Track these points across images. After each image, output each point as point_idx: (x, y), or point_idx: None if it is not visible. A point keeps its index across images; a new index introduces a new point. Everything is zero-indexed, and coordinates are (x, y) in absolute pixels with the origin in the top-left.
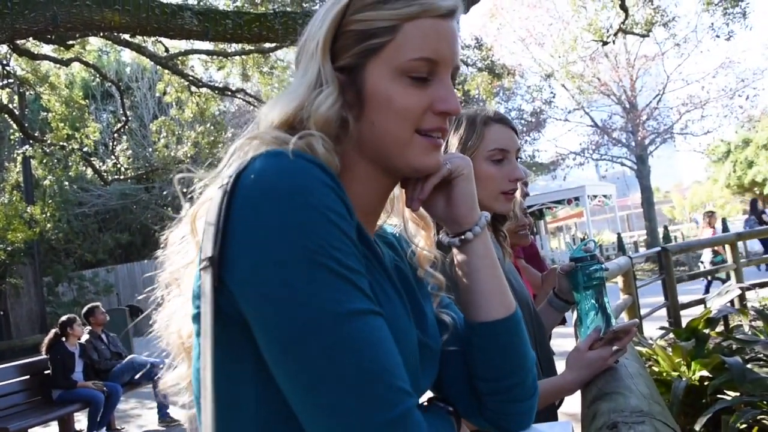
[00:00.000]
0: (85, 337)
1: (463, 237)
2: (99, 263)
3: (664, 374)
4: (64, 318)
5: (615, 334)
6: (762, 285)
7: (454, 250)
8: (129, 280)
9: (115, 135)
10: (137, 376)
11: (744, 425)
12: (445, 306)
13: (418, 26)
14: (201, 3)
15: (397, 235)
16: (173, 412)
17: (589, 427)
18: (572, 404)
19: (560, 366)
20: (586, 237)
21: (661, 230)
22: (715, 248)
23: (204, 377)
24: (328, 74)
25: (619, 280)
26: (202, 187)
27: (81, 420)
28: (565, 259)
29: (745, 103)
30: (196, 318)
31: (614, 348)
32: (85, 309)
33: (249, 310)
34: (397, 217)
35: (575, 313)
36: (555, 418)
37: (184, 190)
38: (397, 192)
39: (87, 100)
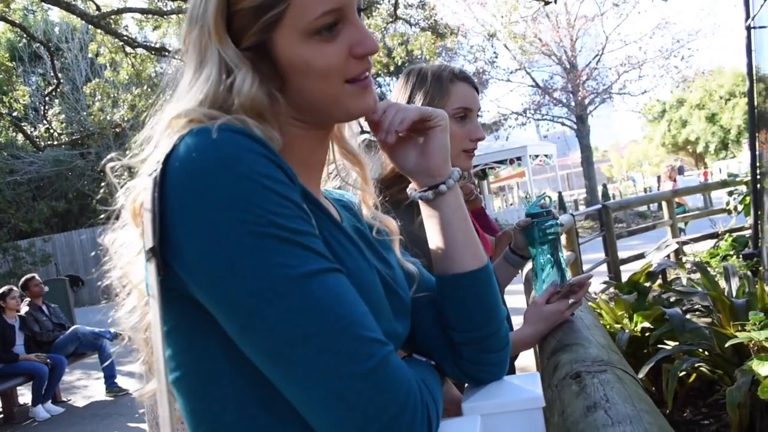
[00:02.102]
0: (24, 309)
1: (437, 189)
2: (35, 233)
3: (608, 327)
4: (1, 290)
5: (571, 288)
6: (697, 240)
7: (424, 204)
8: (67, 249)
9: (46, 99)
10: (87, 349)
11: (683, 372)
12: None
13: None
14: None
15: (353, 199)
16: (121, 381)
17: (551, 378)
18: (523, 357)
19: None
20: (528, 196)
21: (600, 188)
22: (678, 200)
23: (158, 370)
24: (235, 58)
25: (563, 237)
26: (134, 172)
27: (25, 393)
28: (509, 218)
29: (680, 64)
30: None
31: (570, 301)
32: (21, 281)
33: (202, 293)
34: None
35: (527, 267)
36: (513, 370)
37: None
38: (335, 131)
39: (14, 63)
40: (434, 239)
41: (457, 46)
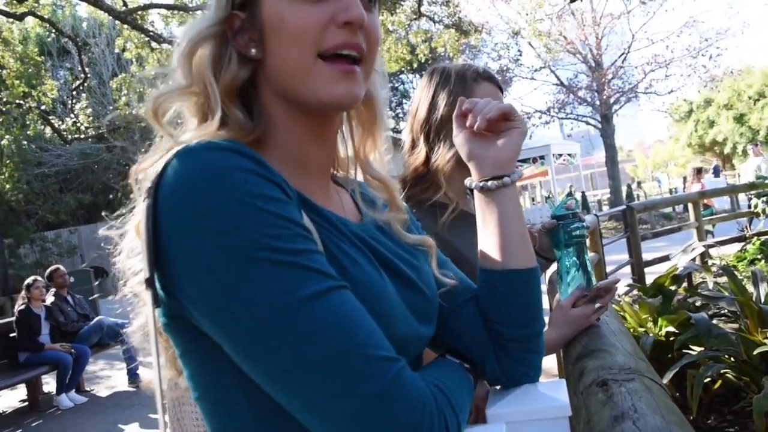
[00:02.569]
0: (50, 300)
1: (501, 180)
2: (61, 224)
3: (632, 330)
4: (28, 280)
5: (597, 292)
6: (723, 242)
7: (482, 196)
8: (92, 240)
9: (74, 93)
10: (111, 340)
11: (708, 379)
12: (442, 264)
13: None
14: None
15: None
16: (143, 372)
17: (576, 384)
18: (545, 359)
19: None
20: (551, 195)
21: (624, 189)
22: (705, 202)
23: (155, 391)
24: (220, 11)
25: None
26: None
27: (49, 382)
28: (531, 218)
29: (708, 63)
30: (167, 328)
31: (596, 305)
32: (47, 272)
33: (205, 323)
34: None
35: (550, 271)
36: None
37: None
38: (360, 152)
39: (43, 57)
40: (490, 233)
41: (481, 44)
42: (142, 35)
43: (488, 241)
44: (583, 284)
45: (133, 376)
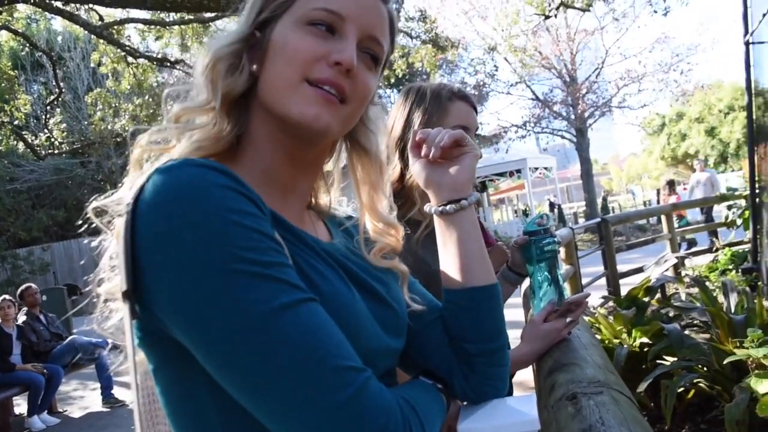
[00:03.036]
0: (22, 319)
1: (459, 204)
2: (34, 241)
3: (606, 341)
4: None
5: (568, 306)
6: (696, 254)
7: (441, 220)
8: (66, 258)
9: (48, 107)
10: (84, 359)
11: (682, 389)
12: (411, 286)
13: None
14: None
15: (345, 216)
16: (117, 392)
17: (547, 399)
18: (521, 373)
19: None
20: (528, 209)
21: (599, 201)
22: (680, 213)
23: (134, 404)
24: (244, 23)
25: (562, 250)
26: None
27: (21, 404)
28: (508, 230)
29: (679, 78)
30: (141, 343)
31: (567, 320)
32: (18, 291)
33: (179, 334)
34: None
35: (525, 284)
36: (511, 389)
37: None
38: (366, 200)
39: (16, 71)
40: (451, 254)
41: (458, 59)
42: (118, 50)
43: (449, 262)
44: (555, 299)
45: (107, 396)
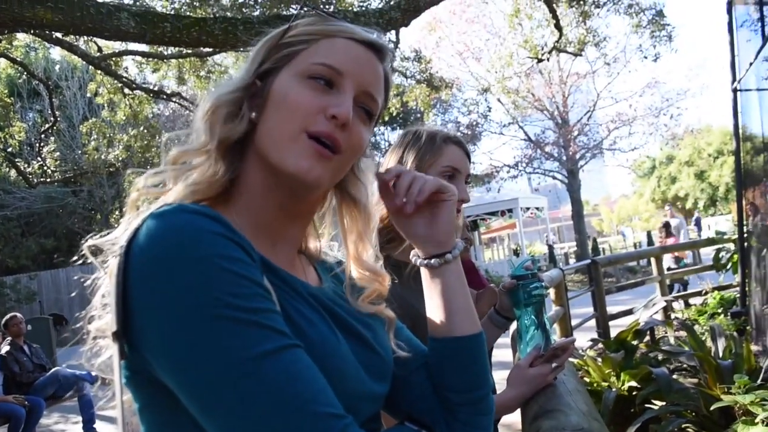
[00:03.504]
0: (5, 349)
1: (443, 258)
2: (21, 269)
3: (595, 384)
4: None
5: (554, 352)
6: (684, 297)
7: (426, 271)
8: (53, 287)
9: (42, 135)
10: (67, 392)
11: None
12: (397, 331)
13: (333, 42)
14: (138, 3)
15: (335, 262)
16: (99, 426)
17: None
18: (509, 416)
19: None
20: (519, 250)
21: (590, 242)
22: (677, 254)
23: None
24: (246, 72)
25: (552, 291)
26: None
27: None
28: (499, 269)
29: (669, 122)
30: (128, 382)
31: (553, 365)
32: (3, 320)
33: (165, 375)
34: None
35: (513, 327)
36: None
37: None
38: (352, 250)
39: (12, 98)
40: (435, 304)
41: (452, 99)
42: (115, 81)
43: (434, 312)
44: (541, 343)
45: (89, 430)
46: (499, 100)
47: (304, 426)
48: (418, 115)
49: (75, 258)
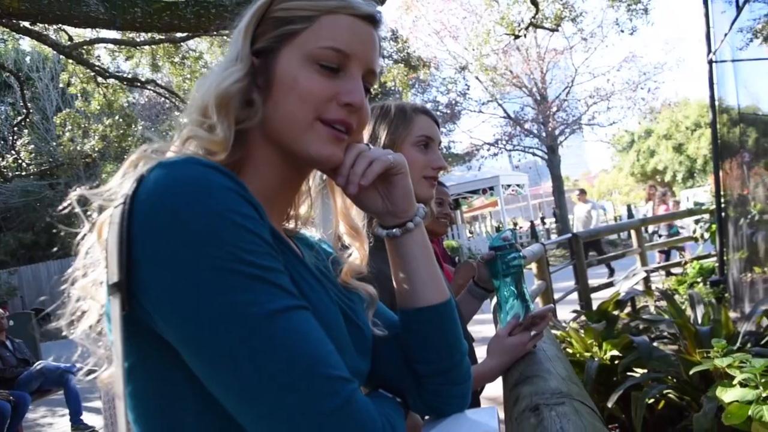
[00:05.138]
0: None
1: (404, 227)
2: (1, 265)
3: (578, 355)
4: None
5: (532, 320)
6: (664, 267)
7: (390, 241)
8: (34, 281)
9: (16, 128)
10: (53, 386)
11: (652, 400)
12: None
13: (335, 20)
14: None
15: (317, 239)
16: (86, 418)
17: (512, 411)
18: (493, 388)
19: (479, 350)
20: (501, 227)
21: (571, 217)
22: (670, 223)
23: (117, 408)
24: (243, 54)
25: (534, 266)
26: (100, 203)
27: None
28: (482, 247)
29: (647, 96)
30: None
31: (532, 333)
32: None
33: (170, 330)
34: (318, 229)
35: (494, 299)
36: (478, 403)
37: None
38: (339, 204)
39: None
40: (399, 275)
41: (430, 78)
42: (88, 70)
43: (399, 283)
44: (520, 313)
45: (76, 422)
46: (477, 78)
47: (314, 387)
48: (397, 96)
49: (55, 249)
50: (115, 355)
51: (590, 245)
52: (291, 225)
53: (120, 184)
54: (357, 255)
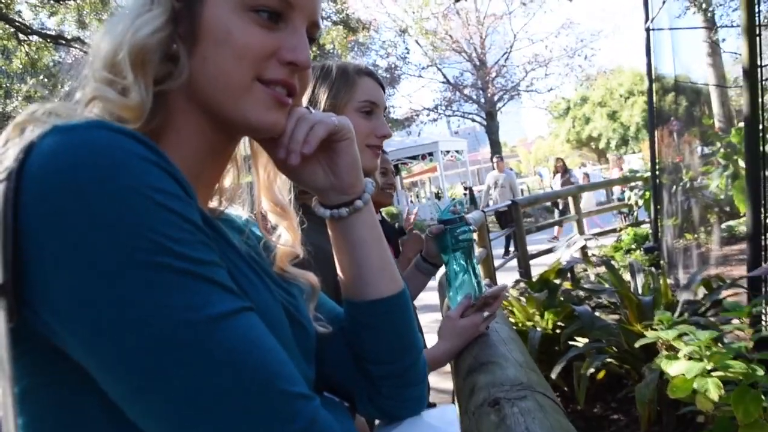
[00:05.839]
0: None
1: (352, 206)
2: None
3: (520, 324)
4: None
5: (485, 300)
6: (600, 234)
7: (334, 223)
8: None
9: None
10: None
11: (593, 370)
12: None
13: None
14: None
15: (243, 219)
16: None
17: (467, 402)
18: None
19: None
20: (440, 193)
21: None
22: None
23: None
24: (166, 5)
25: (474, 234)
26: None
27: None
28: (421, 213)
29: (583, 63)
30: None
31: (485, 314)
32: None
33: (77, 345)
34: (245, 206)
35: (440, 273)
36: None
37: None
38: (262, 176)
39: None
40: (346, 261)
41: (369, 41)
42: (8, 26)
43: (345, 271)
44: (471, 292)
45: None
46: (417, 42)
47: (270, 408)
48: (336, 59)
49: None
50: (1, 378)
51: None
52: (214, 203)
53: (2, 155)
54: (287, 236)
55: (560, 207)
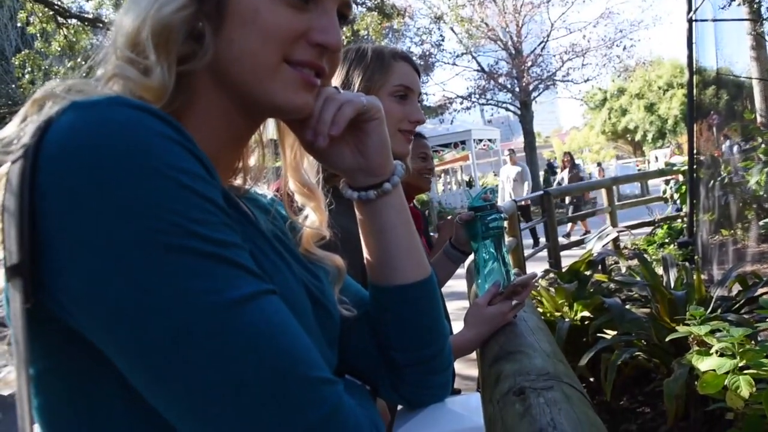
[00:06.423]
0: None
1: (381, 188)
2: None
3: (548, 315)
4: None
5: (514, 288)
6: (633, 227)
7: (362, 206)
8: None
9: None
10: None
11: (621, 361)
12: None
13: None
14: None
15: (268, 198)
16: None
17: (492, 391)
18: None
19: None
20: (472, 181)
21: (541, 174)
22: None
23: (22, 427)
24: None
25: (505, 223)
26: None
27: None
28: (451, 201)
29: (622, 54)
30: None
31: (513, 302)
32: None
33: (96, 329)
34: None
35: (469, 260)
36: (453, 374)
37: None
38: (289, 156)
39: None
40: (373, 245)
41: (404, 28)
42: (47, 9)
43: (372, 255)
44: (500, 280)
45: None
46: (452, 29)
47: (295, 394)
48: (363, 44)
49: None
50: (16, 359)
51: (527, 209)
52: (239, 181)
53: (20, 131)
54: (313, 218)
55: (567, 202)
